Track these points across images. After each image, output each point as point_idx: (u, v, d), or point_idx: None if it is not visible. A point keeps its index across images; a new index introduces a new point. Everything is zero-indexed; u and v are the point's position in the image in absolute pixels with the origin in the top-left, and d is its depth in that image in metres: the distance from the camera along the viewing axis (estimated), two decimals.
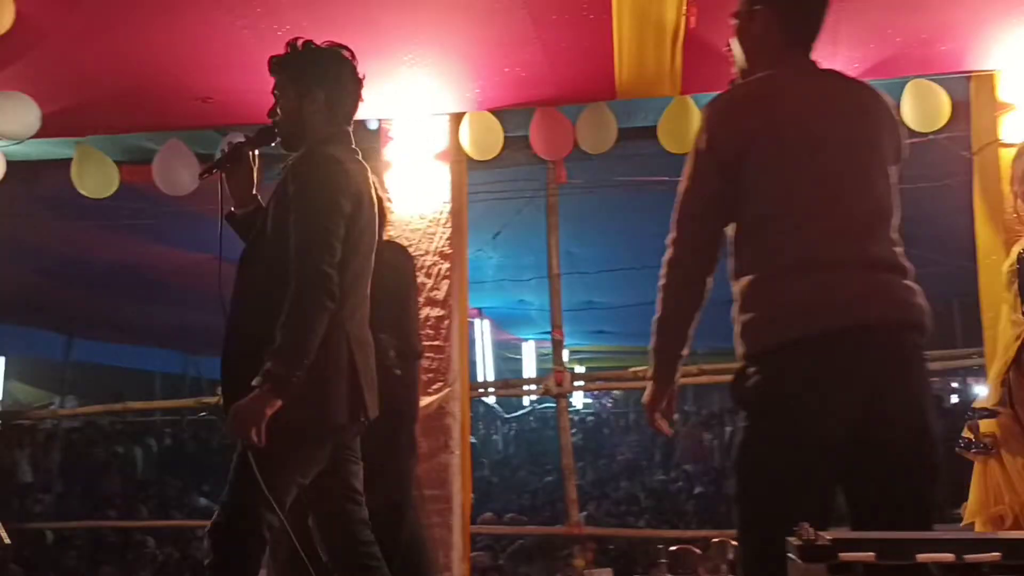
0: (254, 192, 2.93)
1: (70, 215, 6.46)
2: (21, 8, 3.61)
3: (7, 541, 1.36)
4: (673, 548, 1.43)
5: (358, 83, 2.81)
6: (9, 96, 4.19)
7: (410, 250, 4.63)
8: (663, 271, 2.27)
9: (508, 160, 5.37)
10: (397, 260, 3.32)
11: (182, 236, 7.80)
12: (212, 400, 6.13)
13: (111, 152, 5.25)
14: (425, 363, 4.57)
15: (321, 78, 2.74)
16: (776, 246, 2.17)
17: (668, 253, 2.27)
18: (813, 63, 2.34)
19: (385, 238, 3.27)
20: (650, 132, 4.76)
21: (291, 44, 2.77)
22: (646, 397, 2.34)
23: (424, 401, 4.55)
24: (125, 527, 8.38)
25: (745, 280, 2.20)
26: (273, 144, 2.90)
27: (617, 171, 5.94)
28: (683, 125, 4.46)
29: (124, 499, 11.06)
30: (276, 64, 2.78)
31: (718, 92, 2.37)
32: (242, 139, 2.92)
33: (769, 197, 2.19)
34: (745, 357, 2.19)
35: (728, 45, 2.41)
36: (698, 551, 1.43)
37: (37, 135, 4.39)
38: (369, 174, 2.78)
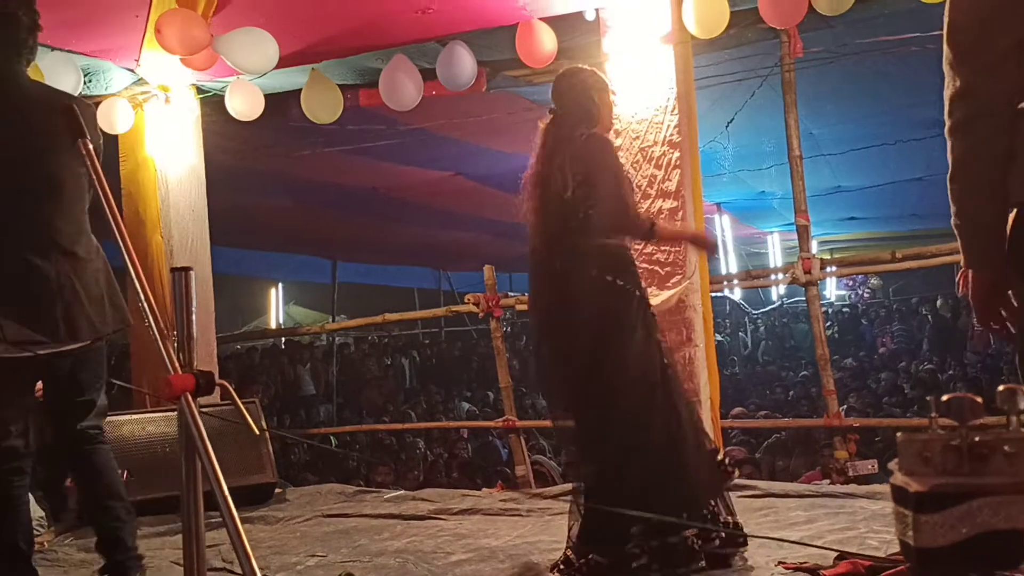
0: None
1: (318, 142, 6.85)
2: None
3: (257, 431, 1.48)
4: (946, 397, 1.25)
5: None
6: (248, 32, 4.43)
7: (637, 142, 4.52)
8: (947, 112, 1.75)
9: (736, 39, 5.04)
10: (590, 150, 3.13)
11: (420, 156, 8.10)
12: (461, 308, 6.39)
13: (346, 76, 5.48)
14: (661, 256, 4.48)
15: None
16: None
17: (948, 87, 1.74)
18: None
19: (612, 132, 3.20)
20: None
21: None
22: (970, 291, 1.78)
23: (663, 295, 4.48)
24: (398, 430, 9.02)
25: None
26: None
27: (859, 36, 5.41)
28: None
29: (396, 406, 11.97)
30: None
31: None
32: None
33: None
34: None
35: None
36: (978, 399, 1.23)
37: (275, 66, 4.63)
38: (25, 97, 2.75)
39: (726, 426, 5.72)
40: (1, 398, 2.74)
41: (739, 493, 4.12)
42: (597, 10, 4.62)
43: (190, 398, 1.31)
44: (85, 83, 4.97)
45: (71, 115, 1.75)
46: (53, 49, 4.54)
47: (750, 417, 7.57)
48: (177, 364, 1.34)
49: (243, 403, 1.55)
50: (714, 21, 4.43)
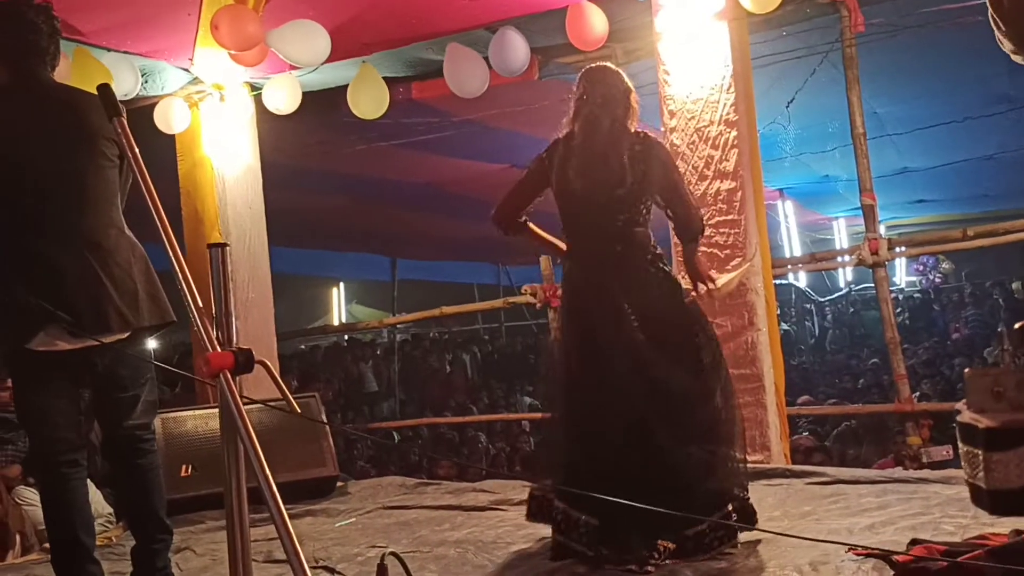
0: None
1: (370, 137, 6.85)
2: None
3: (298, 411, 1.47)
4: (1019, 324, 1.15)
5: (20, 20, 2.84)
6: (299, 24, 4.44)
7: (692, 122, 4.43)
8: None
9: (793, 15, 4.90)
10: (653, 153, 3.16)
11: (473, 149, 8.07)
12: (518, 299, 6.36)
13: (397, 69, 5.47)
14: (720, 239, 4.37)
15: None
16: None
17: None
18: None
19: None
20: None
21: None
22: None
23: (724, 278, 4.37)
24: (460, 424, 9.02)
25: None
26: None
27: (922, 6, 5.22)
28: None
29: (458, 400, 11.99)
30: None
31: None
32: None
33: None
34: None
35: None
36: None
37: (326, 59, 4.63)
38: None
39: (792, 413, 5.57)
40: (48, 391, 2.77)
41: (807, 480, 4.00)
42: None
43: (228, 376, 1.29)
44: (143, 84, 5.04)
45: (106, 93, 1.76)
46: (110, 50, 4.61)
47: (817, 404, 7.38)
48: (216, 342, 1.32)
49: (302, 397, 1.53)
50: None
